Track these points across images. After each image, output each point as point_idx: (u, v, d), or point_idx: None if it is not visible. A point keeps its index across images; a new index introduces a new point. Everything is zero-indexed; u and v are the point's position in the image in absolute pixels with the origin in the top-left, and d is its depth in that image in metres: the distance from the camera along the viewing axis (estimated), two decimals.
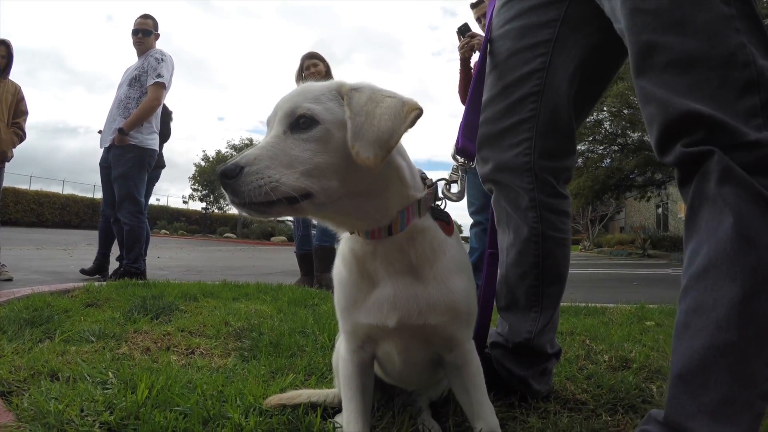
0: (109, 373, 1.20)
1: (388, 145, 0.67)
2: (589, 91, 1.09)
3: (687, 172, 0.74)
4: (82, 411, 0.97)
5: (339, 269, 0.86)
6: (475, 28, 3.12)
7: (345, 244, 0.84)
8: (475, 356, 0.89)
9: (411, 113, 0.69)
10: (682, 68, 0.72)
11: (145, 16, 4.05)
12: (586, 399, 1.21)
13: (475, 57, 3.37)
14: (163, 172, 4.51)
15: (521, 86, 1.06)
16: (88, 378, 1.17)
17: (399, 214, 0.76)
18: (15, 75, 4.06)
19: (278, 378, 1.26)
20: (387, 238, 0.77)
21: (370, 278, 0.80)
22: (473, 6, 3.23)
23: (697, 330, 0.69)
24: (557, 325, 1.25)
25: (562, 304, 1.28)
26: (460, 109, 3.62)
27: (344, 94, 0.72)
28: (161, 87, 3.81)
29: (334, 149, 0.70)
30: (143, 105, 3.74)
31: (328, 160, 0.69)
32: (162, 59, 3.87)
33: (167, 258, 7.58)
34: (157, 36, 4.08)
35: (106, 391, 1.07)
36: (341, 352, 0.90)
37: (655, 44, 0.75)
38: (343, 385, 0.87)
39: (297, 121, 0.69)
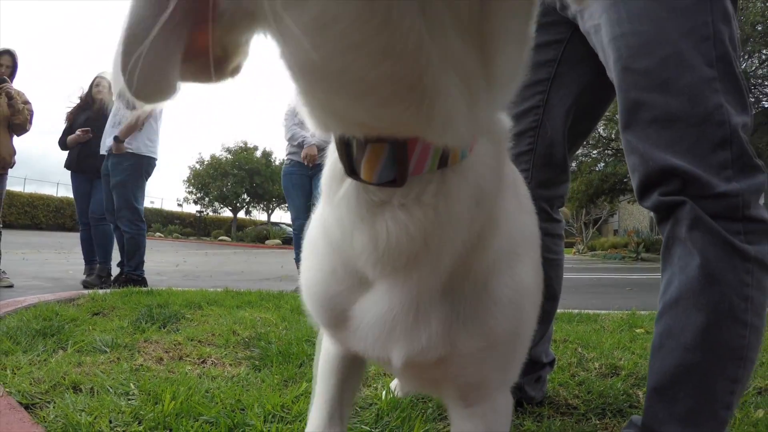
0: (131, 384, 1.26)
1: None
2: (582, 126, 1.17)
3: (663, 215, 0.85)
4: (110, 422, 1.04)
5: (313, 238, 0.53)
6: None
7: (333, 190, 0.45)
8: (502, 416, 0.58)
9: None
10: (664, 125, 0.81)
11: None
12: (578, 404, 1.30)
13: None
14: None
15: (520, 121, 1.13)
16: (111, 390, 1.23)
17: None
18: None
19: (291, 386, 1.33)
20: (427, 178, 0.41)
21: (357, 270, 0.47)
22: None
23: (669, 351, 0.82)
24: (551, 336, 1.35)
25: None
26: None
27: None
28: None
29: None
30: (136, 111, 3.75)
31: None
32: None
33: (165, 262, 7.60)
34: None
35: (130, 403, 1.14)
36: (322, 339, 0.66)
37: (643, 102, 0.83)
38: (319, 375, 0.66)
39: None
